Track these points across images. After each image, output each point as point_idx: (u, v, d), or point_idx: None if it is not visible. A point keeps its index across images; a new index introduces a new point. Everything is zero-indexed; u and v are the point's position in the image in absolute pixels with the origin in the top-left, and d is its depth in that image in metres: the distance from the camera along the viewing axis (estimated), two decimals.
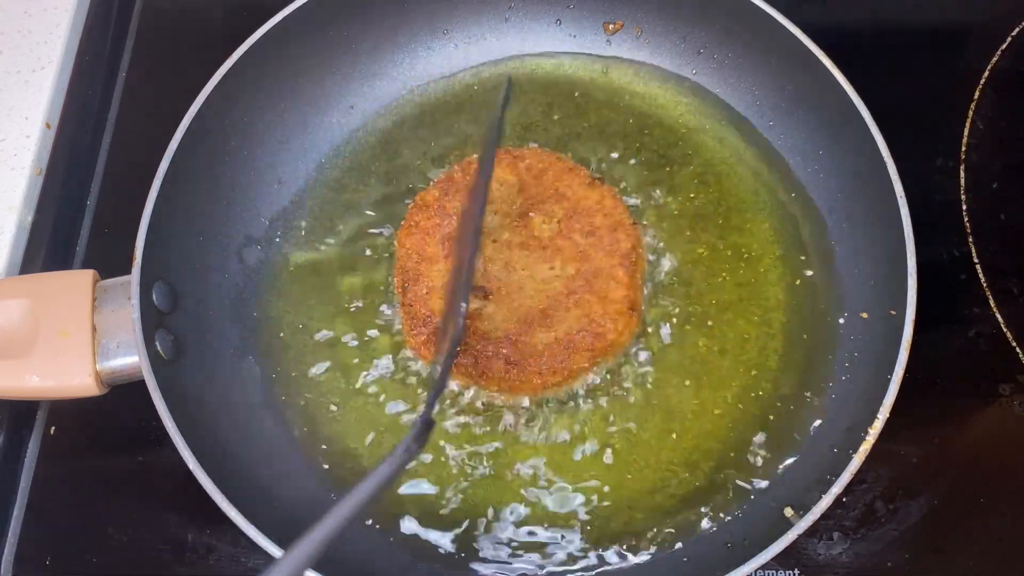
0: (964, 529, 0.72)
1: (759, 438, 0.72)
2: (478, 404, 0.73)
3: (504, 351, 0.70)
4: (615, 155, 0.84)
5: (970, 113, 0.89)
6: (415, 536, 0.70)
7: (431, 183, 0.80)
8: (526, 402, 0.72)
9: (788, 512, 0.64)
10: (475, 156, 0.80)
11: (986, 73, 0.91)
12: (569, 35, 0.89)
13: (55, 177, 0.87)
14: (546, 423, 0.72)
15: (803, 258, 0.79)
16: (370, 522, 0.70)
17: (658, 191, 0.82)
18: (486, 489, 0.71)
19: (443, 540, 0.69)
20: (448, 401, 0.73)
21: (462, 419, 0.73)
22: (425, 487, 0.71)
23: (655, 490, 0.71)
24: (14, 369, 0.67)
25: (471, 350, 0.71)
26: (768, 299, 0.78)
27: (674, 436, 0.73)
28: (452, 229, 0.75)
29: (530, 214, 0.75)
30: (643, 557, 0.69)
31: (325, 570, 0.60)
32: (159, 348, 0.68)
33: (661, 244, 0.79)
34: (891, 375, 0.65)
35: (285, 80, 0.83)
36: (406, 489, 0.71)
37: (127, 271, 0.69)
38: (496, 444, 0.72)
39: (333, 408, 0.75)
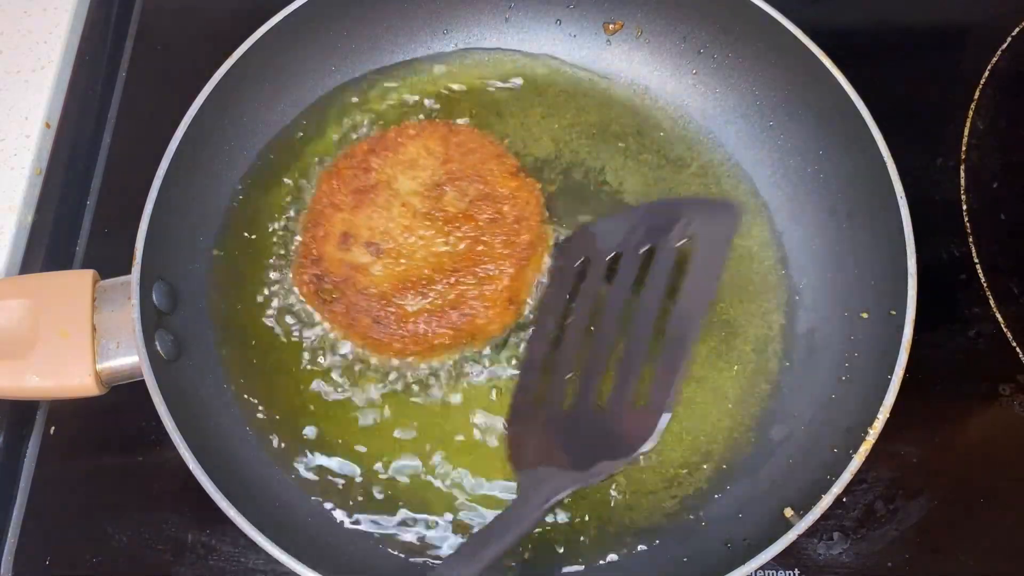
0: (964, 529, 0.73)
1: (759, 439, 0.73)
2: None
3: (374, 308, 0.72)
4: (615, 155, 0.84)
5: (970, 113, 0.89)
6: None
7: (367, 138, 0.81)
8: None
9: (788, 512, 0.64)
10: (413, 121, 0.81)
11: (986, 73, 0.92)
12: (569, 35, 0.89)
13: (55, 177, 0.87)
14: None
15: (803, 258, 0.79)
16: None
17: (658, 191, 0.82)
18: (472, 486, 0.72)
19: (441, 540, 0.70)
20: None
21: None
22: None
23: (655, 491, 0.71)
24: (14, 369, 0.67)
25: (345, 299, 0.72)
26: (768, 300, 0.78)
27: (676, 438, 0.73)
28: (367, 183, 0.76)
29: (445, 187, 0.76)
30: (643, 556, 0.69)
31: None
32: (159, 348, 0.68)
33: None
34: (891, 375, 0.65)
35: (285, 80, 0.83)
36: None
37: (127, 271, 0.69)
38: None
39: (331, 408, 0.75)
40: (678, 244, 0.66)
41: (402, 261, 0.73)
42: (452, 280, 0.72)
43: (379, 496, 0.71)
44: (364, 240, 0.74)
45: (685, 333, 0.62)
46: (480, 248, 0.73)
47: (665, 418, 0.60)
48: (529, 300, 0.76)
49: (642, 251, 0.69)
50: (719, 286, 0.64)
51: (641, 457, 0.71)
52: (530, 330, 0.75)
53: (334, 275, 0.73)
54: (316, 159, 0.84)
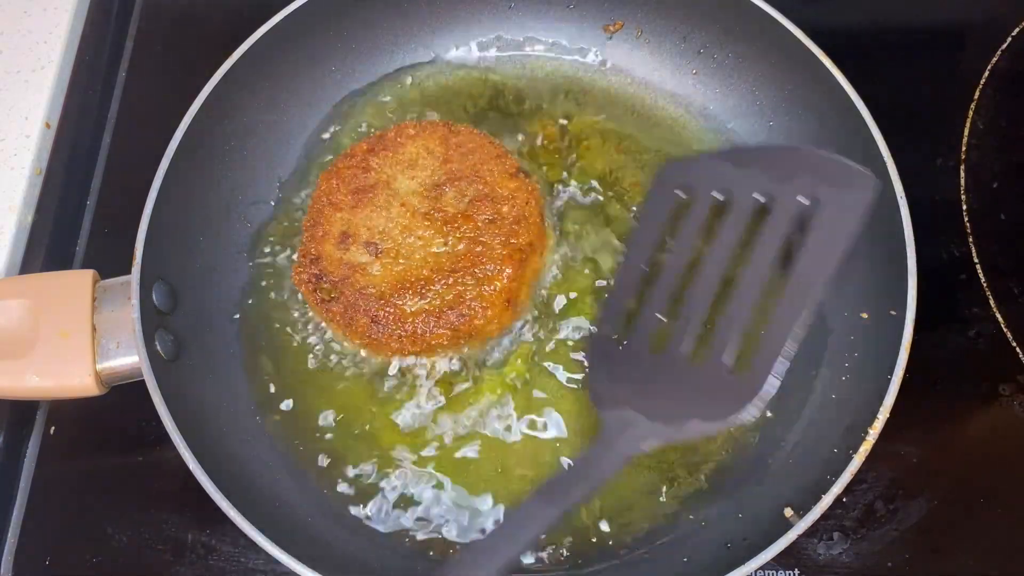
0: (964, 529, 0.72)
1: (759, 439, 0.73)
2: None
3: (372, 308, 0.72)
4: (615, 155, 0.84)
5: (970, 113, 0.89)
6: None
7: (366, 138, 0.80)
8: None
9: (788, 512, 0.64)
10: (412, 122, 0.80)
11: (986, 73, 0.91)
12: (569, 35, 0.89)
13: (55, 177, 0.87)
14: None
15: None
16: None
17: None
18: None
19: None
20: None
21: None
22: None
23: (654, 491, 0.71)
24: (14, 369, 0.67)
25: (344, 299, 0.72)
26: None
27: None
28: (366, 183, 0.76)
29: (444, 187, 0.76)
30: (643, 557, 0.69)
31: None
32: (159, 348, 0.68)
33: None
34: (891, 375, 0.65)
35: (285, 80, 0.83)
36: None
37: (127, 271, 0.69)
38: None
39: (329, 407, 0.75)
40: (802, 199, 0.58)
41: (401, 261, 0.73)
42: (450, 280, 0.72)
43: (388, 494, 0.72)
44: (363, 240, 0.74)
45: (802, 299, 0.56)
46: (479, 249, 0.73)
47: (772, 386, 0.55)
48: (528, 301, 0.76)
49: (757, 197, 0.61)
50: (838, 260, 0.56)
51: (646, 451, 0.70)
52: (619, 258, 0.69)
53: (333, 275, 0.73)
54: (315, 158, 0.85)
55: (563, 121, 0.86)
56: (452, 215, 0.75)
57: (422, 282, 0.72)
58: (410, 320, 0.72)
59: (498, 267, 0.73)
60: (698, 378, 0.60)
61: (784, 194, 0.60)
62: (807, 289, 0.56)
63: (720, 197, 0.63)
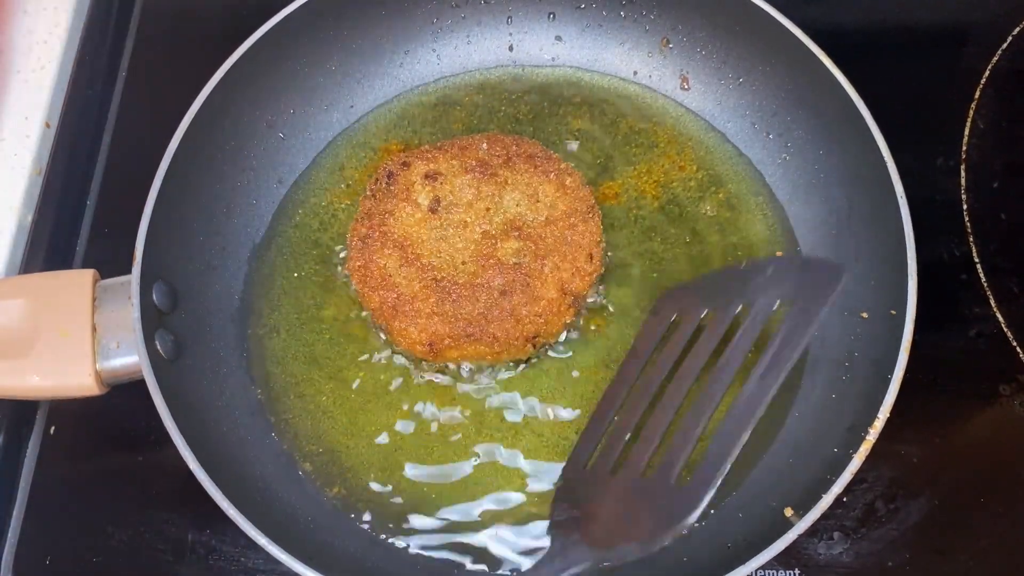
0: (964, 529, 0.72)
1: (759, 438, 0.72)
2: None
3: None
4: (615, 156, 0.84)
5: (971, 113, 0.89)
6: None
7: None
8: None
9: (788, 512, 0.64)
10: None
11: (986, 73, 0.92)
12: (568, 35, 0.89)
13: (55, 177, 0.87)
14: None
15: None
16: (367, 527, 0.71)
17: (658, 192, 0.82)
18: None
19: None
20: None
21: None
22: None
23: None
24: (14, 369, 0.67)
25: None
26: None
27: None
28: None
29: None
30: (643, 557, 0.69)
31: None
32: (159, 348, 0.68)
33: (661, 245, 0.80)
34: (891, 375, 0.65)
35: (285, 80, 0.83)
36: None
37: (127, 271, 0.69)
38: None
39: (329, 407, 0.75)
40: (774, 307, 0.61)
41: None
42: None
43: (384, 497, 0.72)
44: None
45: (753, 410, 0.57)
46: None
47: (692, 516, 0.55)
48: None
49: (735, 312, 0.63)
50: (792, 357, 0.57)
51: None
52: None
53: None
54: (317, 157, 0.85)
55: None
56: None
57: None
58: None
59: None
60: (644, 500, 0.61)
61: (758, 304, 0.62)
62: (758, 400, 0.57)
63: (700, 317, 0.67)
